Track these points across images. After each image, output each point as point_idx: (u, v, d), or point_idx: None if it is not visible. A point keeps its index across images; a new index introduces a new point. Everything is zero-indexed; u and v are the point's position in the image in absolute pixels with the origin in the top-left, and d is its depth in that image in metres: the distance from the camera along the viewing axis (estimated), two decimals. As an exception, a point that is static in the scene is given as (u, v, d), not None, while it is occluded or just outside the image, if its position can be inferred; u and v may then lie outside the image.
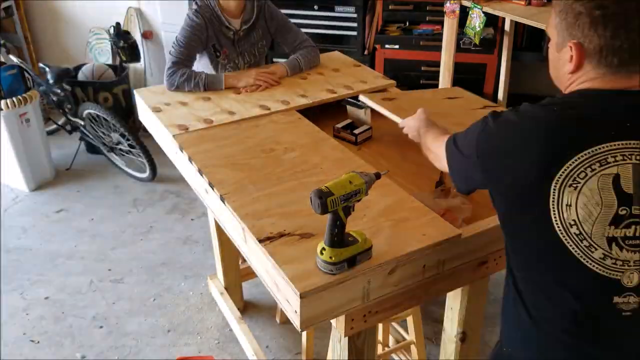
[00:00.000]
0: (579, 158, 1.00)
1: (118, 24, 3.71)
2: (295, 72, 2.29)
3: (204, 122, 1.90)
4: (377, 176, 1.24)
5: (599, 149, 1.00)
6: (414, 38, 3.51)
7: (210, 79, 2.16)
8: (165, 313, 2.69)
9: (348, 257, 1.19)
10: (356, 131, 1.91)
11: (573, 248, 1.00)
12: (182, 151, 1.75)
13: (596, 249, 1.00)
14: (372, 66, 3.68)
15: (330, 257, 1.18)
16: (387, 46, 3.56)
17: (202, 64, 2.36)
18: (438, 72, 3.22)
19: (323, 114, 2.06)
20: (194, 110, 1.99)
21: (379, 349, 2.07)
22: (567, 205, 1.00)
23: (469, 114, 1.90)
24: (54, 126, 4.15)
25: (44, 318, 2.66)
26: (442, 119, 1.83)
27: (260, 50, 2.44)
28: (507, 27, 3.30)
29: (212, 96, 2.11)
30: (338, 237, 1.18)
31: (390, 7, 3.63)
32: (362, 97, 1.98)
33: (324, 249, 1.19)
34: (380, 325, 2.06)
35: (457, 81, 3.27)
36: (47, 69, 3.65)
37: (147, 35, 4.31)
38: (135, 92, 2.19)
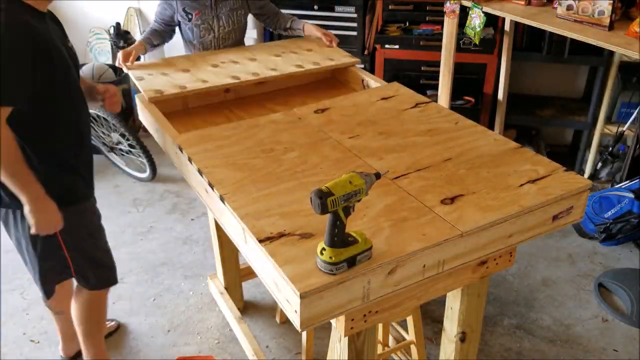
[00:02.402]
0: None
1: (118, 24, 3.71)
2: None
3: (179, 88, 2.09)
4: (377, 176, 1.24)
5: None
6: (414, 38, 3.51)
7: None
8: (165, 313, 2.69)
9: (348, 258, 1.19)
10: None
11: None
12: (181, 152, 1.75)
13: None
14: (372, 66, 3.68)
15: (330, 257, 1.18)
16: (387, 46, 3.56)
17: (184, 36, 2.65)
18: (438, 72, 3.22)
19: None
20: (172, 79, 2.17)
21: (379, 349, 2.07)
22: None
23: (396, 117, 1.91)
24: (54, 126, 4.15)
25: (44, 318, 2.66)
26: (370, 127, 1.85)
27: (239, 18, 2.60)
28: (507, 27, 3.30)
29: (192, 69, 2.27)
30: (338, 237, 1.18)
31: (390, 7, 3.62)
32: (295, 110, 2.00)
33: (324, 249, 1.19)
34: (380, 325, 2.06)
35: (457, 81, 3.28)
36: (47, 69, 3.65)
37: (147, 35, 4.31)
38: (125, 69, 2.30)
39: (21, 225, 1.86)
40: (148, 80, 2.16)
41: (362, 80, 2.31)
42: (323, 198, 1.13)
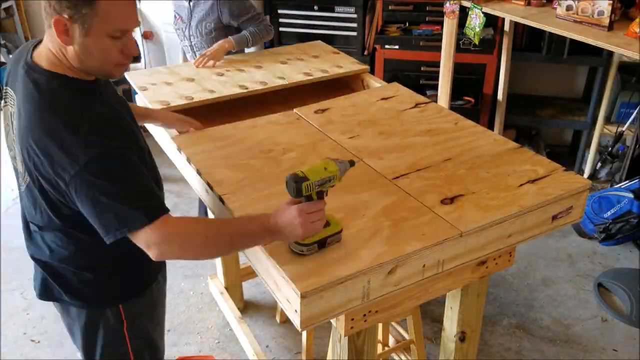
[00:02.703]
0: None
1: (118, 24, 3.71)
2: (242, 46, 2.47)
3: (185, 99, 2.03)
4: (352, 163, 1.28)
5: None
6: (413, 38, 3.51)
7: None
8: (165, 313, 2.69)
9: (319, 240, 1.24)
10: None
11: None
12: (180, 152, 1.76)
13: None
14: (372, 66, 3.68)
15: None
16: (387, 46, 3.56)
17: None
18: (438, 72, 3.22)
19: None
20: (177, 89, 2.11)
21: (379, 349, 2.08)
22: None
23: (396, 117, 1.91)
24: (54, 126, 4.14)
25: (45, 318, 2.66)
26: (369, 127, 1.85)
27: (206, 30, 2.54)
28: (506, 27, 3.30)
29: (196, 77, 2.23)
30: None
31: (390, 7, 3.63)
32: (296, 110, 1.99)
33: None
34: (380, 325, 2.06)
35: (457, 81, 3.28)
36: (47, 69, 3.65)
37: (147, 35, 4.31)
38: (126, 74, 2.26)
39: (75, 319, 1.54)
40: (152, 91, 2.11)
41: (362, 81, 2.31)
42: (298, 182, 1.18)
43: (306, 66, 2.33)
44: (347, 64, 2.34)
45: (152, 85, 2.15)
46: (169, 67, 2.36)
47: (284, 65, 2.35)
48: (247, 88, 2.12)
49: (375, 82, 2.25)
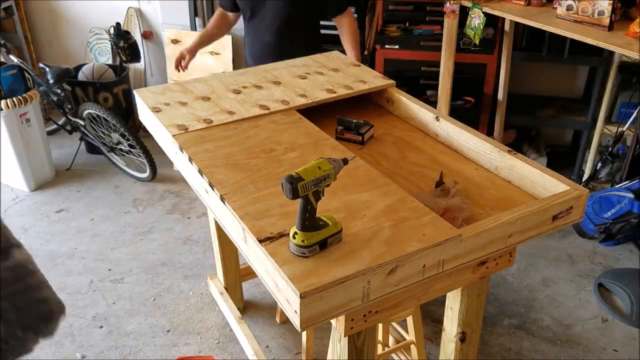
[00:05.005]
0: None
1: (118, 24, 3.71)
2: None
3: (204, 122, 1.90)
4: (345, 162, 1.29)
5: None
6: (414, 38, 3.51)
7: None
8: (165, 313, 2.69)
9: (319, 241, 1.23)
10: (362, 130, 1.90)
11: None
12: (182, 151, 1.75)
13: None
14: (372, 66, 3.68)
15: (303, 241, 1.22)
16: (387, 46, 3.56)
17: None
18: (438, 72, 3.22)
19: (324, 113, 2.06)
20: (194, 110, 1.99)
21: (379, 349, 2.07)
22: None
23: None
24: (54, 126, 4.15)
25: (44, 318, 2.66)
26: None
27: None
28: (507, 27, 3.30)
29: (212, 96, 2.11)
30: (309, 222, 1.23)
31: (390, 7, 3.62)
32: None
33: (296, 233, 1.23)
34: (380, 325, 2.06)
35: (457, 81, 3.28)
36: (47, 69, 3.65)
37: (147, 35, 4.31)
38: (135, 92, 2.19)
39: None
40: (167, 113, 1.96)
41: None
42: (294, 183, 1.17)
43: (327, 81, 2.20)
44: (370, 79, 2.21)
45: (166, 105, 2.02)
46: (181, 84, 2.21)
47: (303, 80, 2.23)
48: (268, 108, 1.99)
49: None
